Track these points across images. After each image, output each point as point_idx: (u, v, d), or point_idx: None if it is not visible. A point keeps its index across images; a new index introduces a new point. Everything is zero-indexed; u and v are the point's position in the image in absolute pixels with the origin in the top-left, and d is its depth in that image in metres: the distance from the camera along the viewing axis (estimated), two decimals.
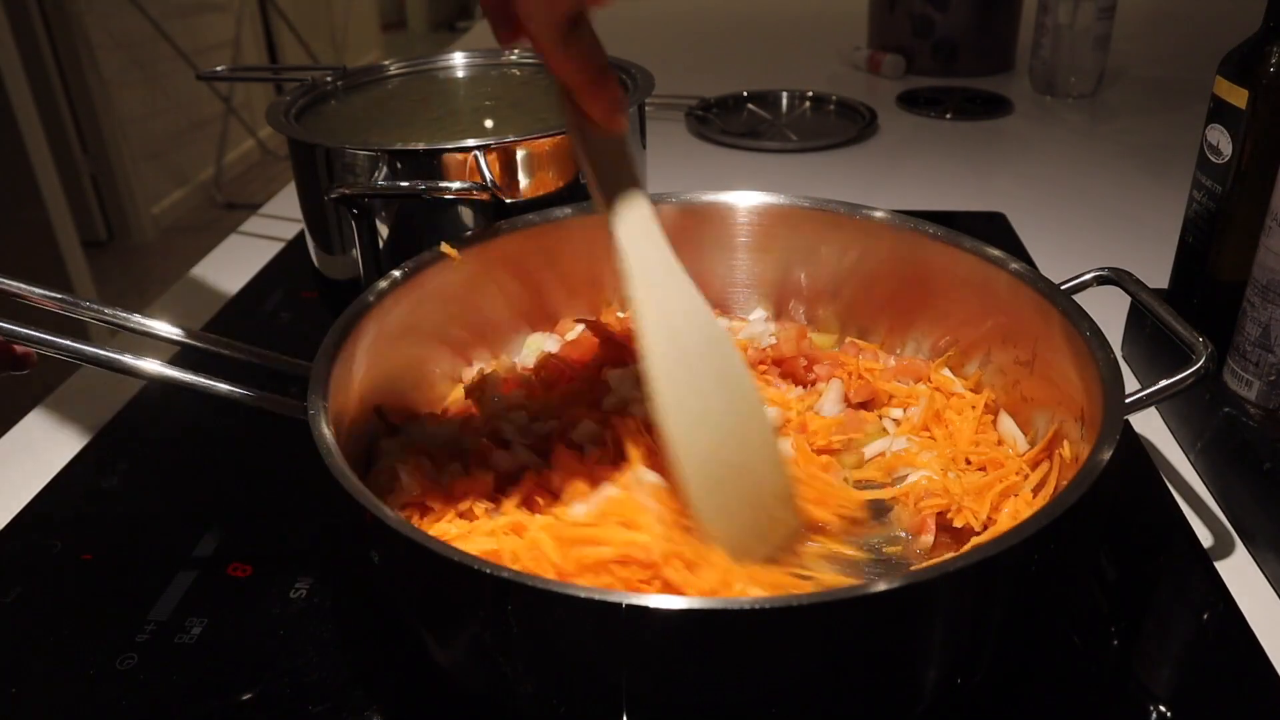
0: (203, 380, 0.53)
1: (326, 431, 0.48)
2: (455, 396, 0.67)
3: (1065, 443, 0.57)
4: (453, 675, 0.49)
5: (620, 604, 0.39)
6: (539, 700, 0.46)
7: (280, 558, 0.62)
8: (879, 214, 0.69)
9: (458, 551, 0.41)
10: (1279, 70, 0.67)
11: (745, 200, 0.73)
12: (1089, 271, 0.64)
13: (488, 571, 0.40)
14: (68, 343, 0.51)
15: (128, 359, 0.52)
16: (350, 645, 0.56)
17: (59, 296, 0.56)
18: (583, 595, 0.39)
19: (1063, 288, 0.61)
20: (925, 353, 0.70)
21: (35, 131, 2.42)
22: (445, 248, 0.64)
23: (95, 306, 0.58)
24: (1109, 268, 0.64)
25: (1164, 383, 0.54)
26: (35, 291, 0.56)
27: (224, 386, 0.53)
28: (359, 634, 0.56)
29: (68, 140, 3.01)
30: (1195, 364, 0.53)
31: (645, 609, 0.39)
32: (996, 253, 0.64)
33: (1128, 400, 0.51)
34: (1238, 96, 0.69)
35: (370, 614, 0.58)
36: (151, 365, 0.53)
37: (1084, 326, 0.56)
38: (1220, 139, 0.71)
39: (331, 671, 0.54)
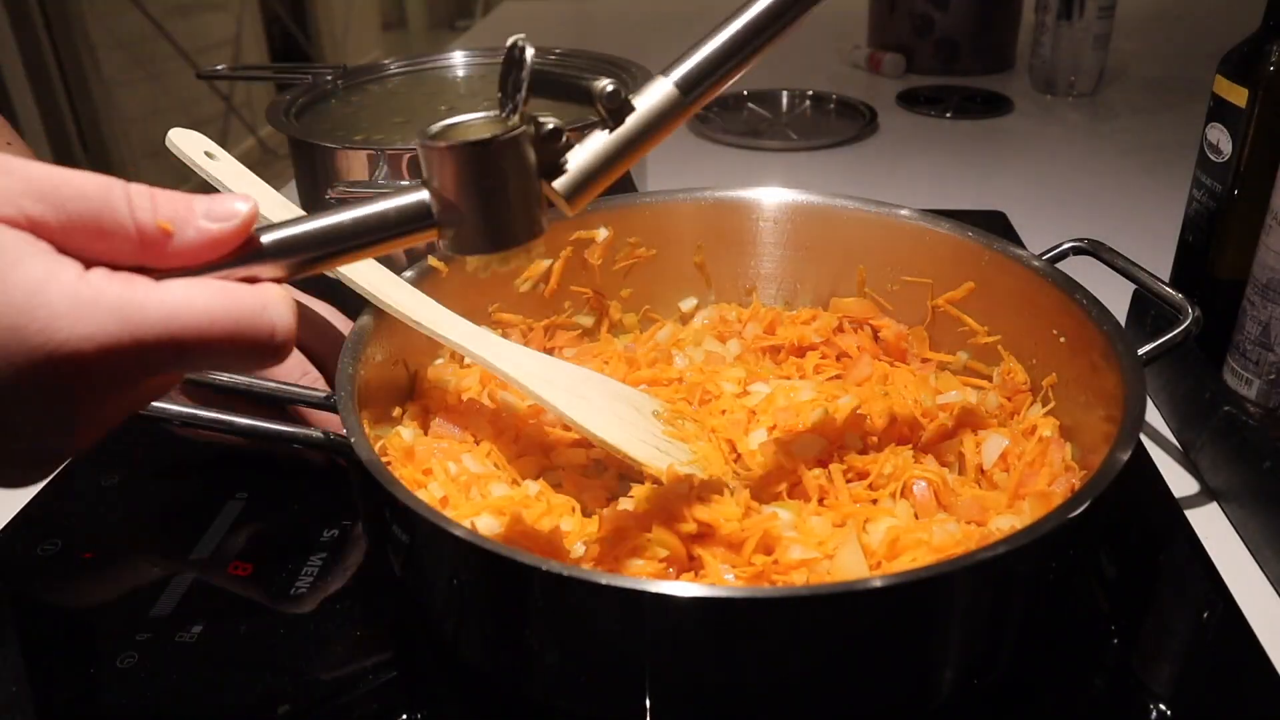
0: (224, 416, 0.53)
1: (374, 459, 0.47)
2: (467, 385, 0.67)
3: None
4: (470, 662, 0.50)
5: (644, 591, 0.40)
6: (561, 684, 0.46)
7: (281, 556, 0.62)
8: (904, 211, 0.70)
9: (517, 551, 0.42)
10: (1279, 69, 0.67)
11: (771, 197, 0.73)
12: (1066, 242, 0.65)
13: (543, 569, 0.41)
14: None
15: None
16: (353, 642, 0.56)
17: None
18: (604, 582, 0.41)
19: (1040, 259, 0.63)
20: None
21: (36, 130, 2.42)
22: (432, 261, 0.64)
23: None
24: (1084, 238, 0.65)
25: (1158, 341, 0.56)
26: None
27: (244, 421, 0.53)
28: (362, 630, 0.56)
29: (68, 139, 3.01)
30: (1184, 322, 0.57)
31: (666, 596, 0.39)
32: (1016, 245, 0.64)
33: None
34: (1238, 95, 0.69)
35: (372, 611, 0.58)
36: (174, 406, 0.52)
37: (1080, 295, 0.58)
38: (1220, 138, 0.71)
39: (334, 669, 0.54)
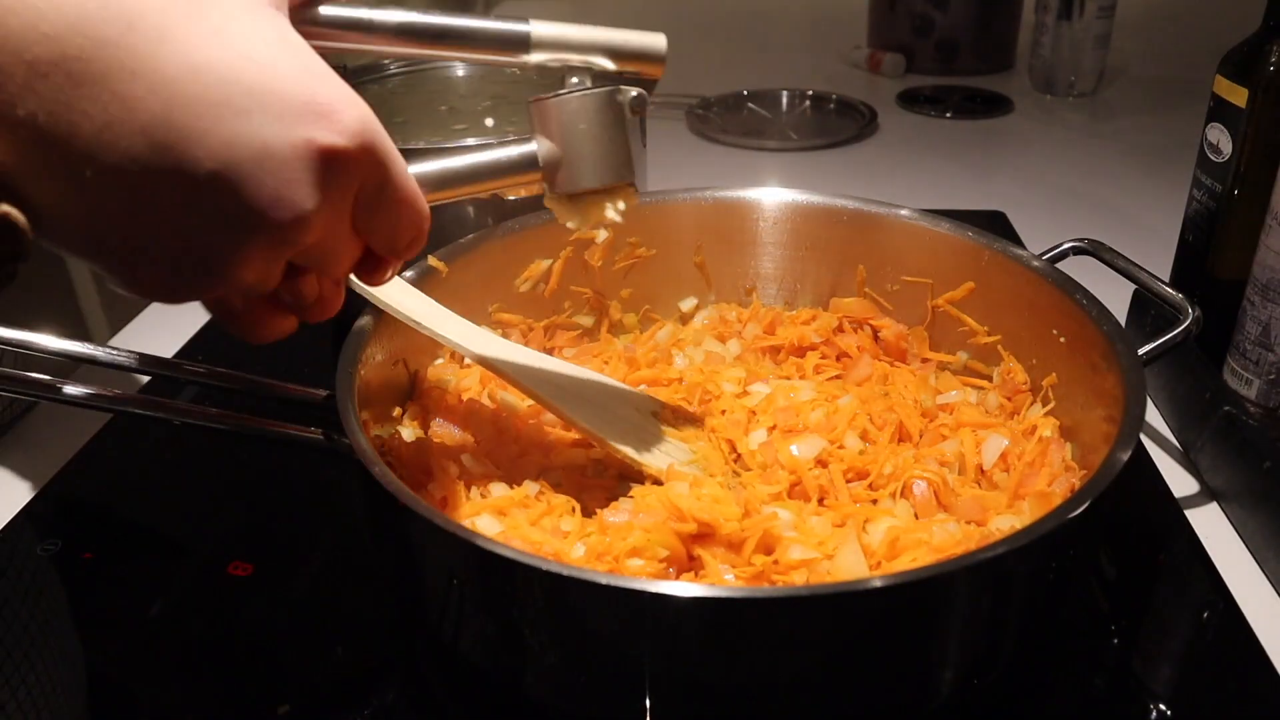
0: (225, 415, 0.53)
1: (374, 459, 0.47)
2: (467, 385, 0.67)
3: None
4: (470, 662, 0.50)
5: (644, 591, 0.40)
6: (561, 684, 0.47)
7: (281, 556, 0.62)
8: (904, 211, 0.70)
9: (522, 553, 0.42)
10: (1279, 69, 0.67)
11: (771, 196, 0.73)
12: (1066, 242, 0.65)
13: (543, 569, 0.41)
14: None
15: (151, 400, 0.52)
16: (353, 642, 0.56)
17: (72, 351, 0.54)
18: (604, 582, 0.41)
19: (1040, 259, 0.63)
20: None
21: None
22: (432, 260, 0.64)
23: (110, 349, 0.57)
24: (1084, 238, 0.65)
25: (1158, 341, 0.57)
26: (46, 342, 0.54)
27: (245, 421, 0.53)
28: (362, 630, 0.57)
29: None
30: (1184, 322, 0.57)
31: (666, 596, 0.40)
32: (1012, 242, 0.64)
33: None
34: (1238, 95, 0.69)
35: (373, 611, 0.58)
36: (176, 405, 0.53)
37: (1080, 295, 0.58)
38: (1220, 138, 0.71)
39: (334, 669, 0.54)
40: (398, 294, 0.58)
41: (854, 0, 1.71)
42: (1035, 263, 0.63)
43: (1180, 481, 0.69)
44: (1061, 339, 0.60)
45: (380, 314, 0.58)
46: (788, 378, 0.68)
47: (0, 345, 0.54)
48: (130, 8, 0.32)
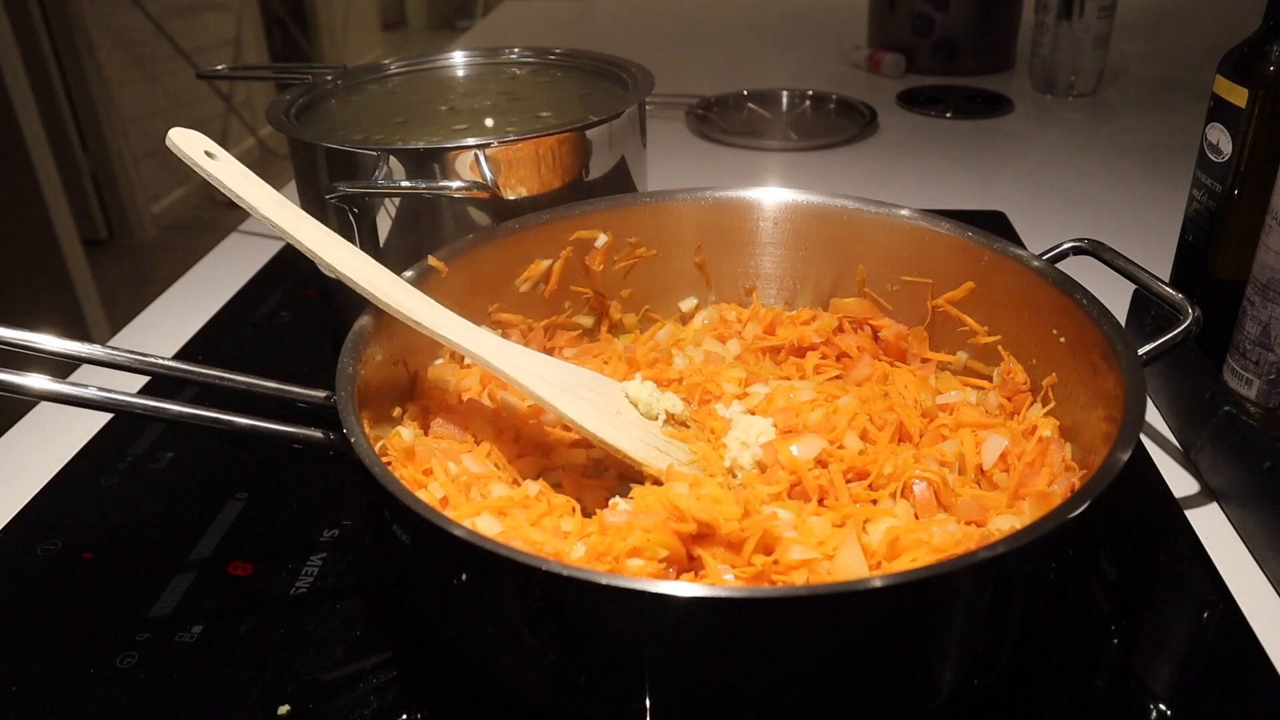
0: (224, 416, 0.53)
1: (374, 459, 0.47)
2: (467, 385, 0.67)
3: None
4: (470, 662, 0.50)
5: (644, 591, 0.40)
6: (561, 684, 0.46)
7: (281, 556, 0.62)
8: (904, 211, 0.70)
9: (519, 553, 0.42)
10: (1279, 69, 0.67)
11: (771, 197, 0.73)
12: (1066, 242, 0.65)
13: (543, 569, 0.41)
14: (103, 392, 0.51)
15: (150, 400, 0.52)
16: (353, 642, 0.56)
17: (72, 351, 0.54)
18: (604, 582, 0.41)
19: (1040, 259, 0.63)
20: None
21: (36, 130, 2.42)
22: (432, 260, 0.64)
23: (110, 349, 0.57)
24: (1084, 238, 0.65)
25: (1158, 341, 0.56)
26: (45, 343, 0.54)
27: (244, 421, 0.53)
28: (362, 630, 0.57)
29: (68, 139, 3.01)
30: (1184, 322, 0.57)
31: (666, 596, 0.40)
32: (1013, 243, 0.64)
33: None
34: (1238, 95, 0.69)
35: (372, 611, 0.58)
36: (175, 406, 0.52)
37: (1080, 296, 0.58)
38: (1220, 138, 0.71)
39: (334, 669, 0.54)
40: (398, 293, 0.58)
41: (854, 0, 1.71)
42: (1035, 263, 0.63)
43: (1180, 481, 0.69)
44: (1061, 339, 0.60)
45: (380, 314, 0.58)
46: (788, 378, 0.68)
47: (0, 345, 0.54)
48: None
